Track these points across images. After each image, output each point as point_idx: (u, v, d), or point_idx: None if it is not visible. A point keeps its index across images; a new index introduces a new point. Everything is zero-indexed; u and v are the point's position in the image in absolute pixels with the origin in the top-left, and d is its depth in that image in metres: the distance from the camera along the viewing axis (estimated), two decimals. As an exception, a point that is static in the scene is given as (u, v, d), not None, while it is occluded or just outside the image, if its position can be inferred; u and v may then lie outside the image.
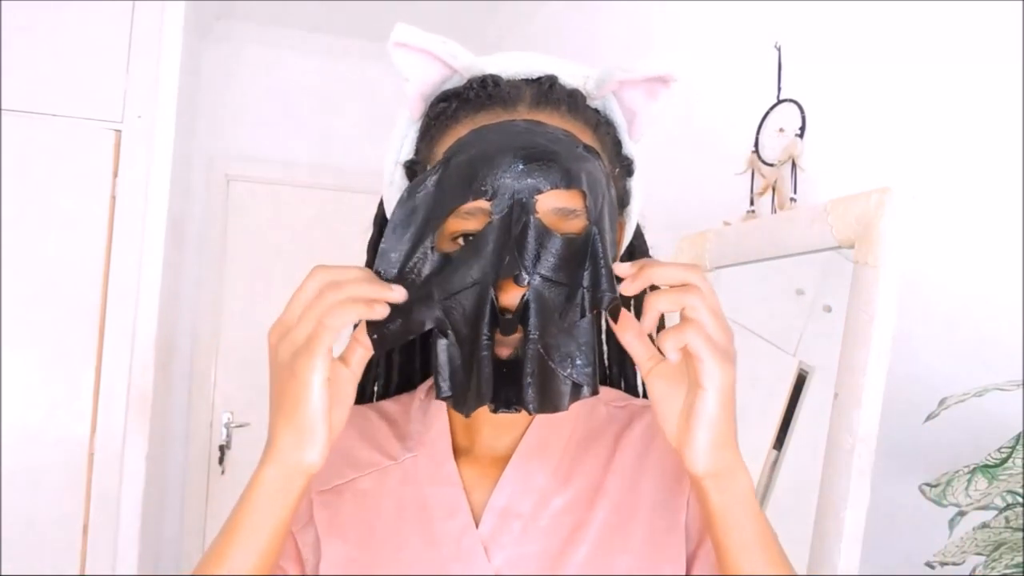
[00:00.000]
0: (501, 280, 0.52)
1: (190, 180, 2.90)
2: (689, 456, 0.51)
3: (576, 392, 0.53)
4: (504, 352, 0.54)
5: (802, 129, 1.37)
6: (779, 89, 1.43)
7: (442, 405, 0.66)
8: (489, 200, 0.53)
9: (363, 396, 0.73)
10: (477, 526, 0.60)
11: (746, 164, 1.49)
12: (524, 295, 0.53)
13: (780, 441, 1.21)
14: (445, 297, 0.54)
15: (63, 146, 2.23)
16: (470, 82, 0.59)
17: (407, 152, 0.63)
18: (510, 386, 0.53)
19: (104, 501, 2.20)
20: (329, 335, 0.49)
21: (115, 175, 2.27)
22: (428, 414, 0.67)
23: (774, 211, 1.40)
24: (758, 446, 1.22)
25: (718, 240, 1.37)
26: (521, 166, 0.54)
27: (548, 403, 0.53)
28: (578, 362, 0.54)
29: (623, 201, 0.64)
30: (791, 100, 1.41)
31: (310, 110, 3.14)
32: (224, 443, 2.98)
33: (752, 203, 1.46)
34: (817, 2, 1.39)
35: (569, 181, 0.54)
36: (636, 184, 0.65)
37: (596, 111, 0.61)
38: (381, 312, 0.51)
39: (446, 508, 0.61)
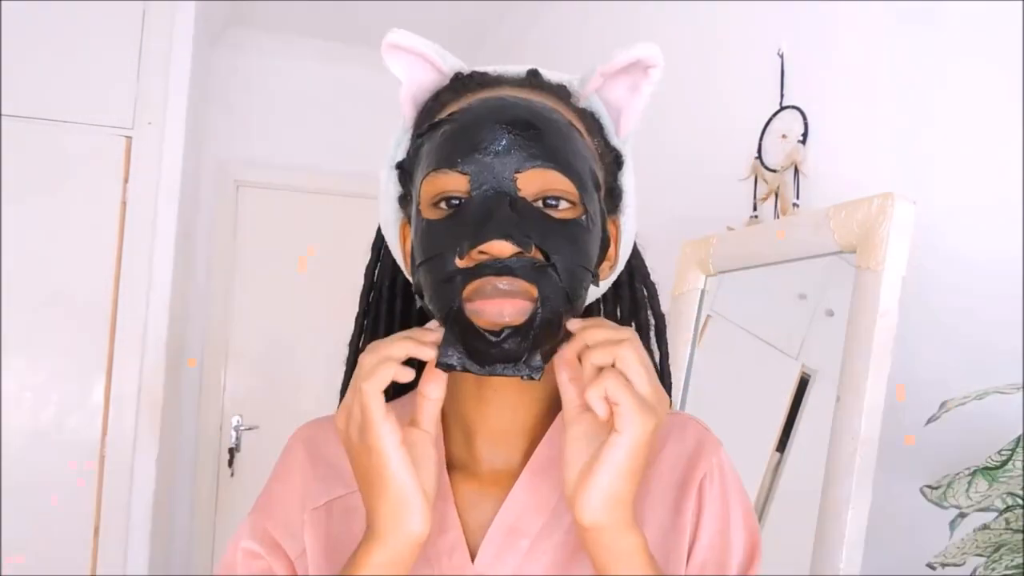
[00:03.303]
0: (487, 241, 0.51)
1: (200, 186, 2.93)
2: (581, 503, 0.50)
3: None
4: (509, 318, 0.52)
5: (804, 135, 1.38)
6: (782, 96, 1.45)
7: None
8: (464, 174, 0.53)
9: None
10: (470, 543, 0.58)
11: (749, 170, 1.50)
12: (538, 264, 0.52)
13: (783, 444, 1.22)
14: (420, 262, 0.55)
15: (74, 152, 2.25)
16: (456, 75, 0.61)
17: (400, 155, 0.64)
18: (505, 350, 0.52)
19: (115, 503, 2.22)
20: (375, 400, 0.50)
21: (126, 181, 2.29)
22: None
23: (777, 216, 1.41)
24: (760, 449, 1.23)
25: (721, 245, 1.38)
26: (503, 142, 0.53)
27: (535, 372, 0.53)
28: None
29: (614, 194, 0.63)
30: (794, 106, 1.42)
31: (319, 116, 3.17)
32: (234, 446, 3.00)
33: (755, 208, 1.47)
34: (819, 9, 1.40)
35: (553, 160, 0.54)
36: (628, 180, 0.63)
37: (582, 108, 0.61)
38: (428, 354, 0.52)
39: (437, 524, 0.59)
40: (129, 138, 2.30)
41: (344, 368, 0.71)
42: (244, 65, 3.11)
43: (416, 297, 0.61)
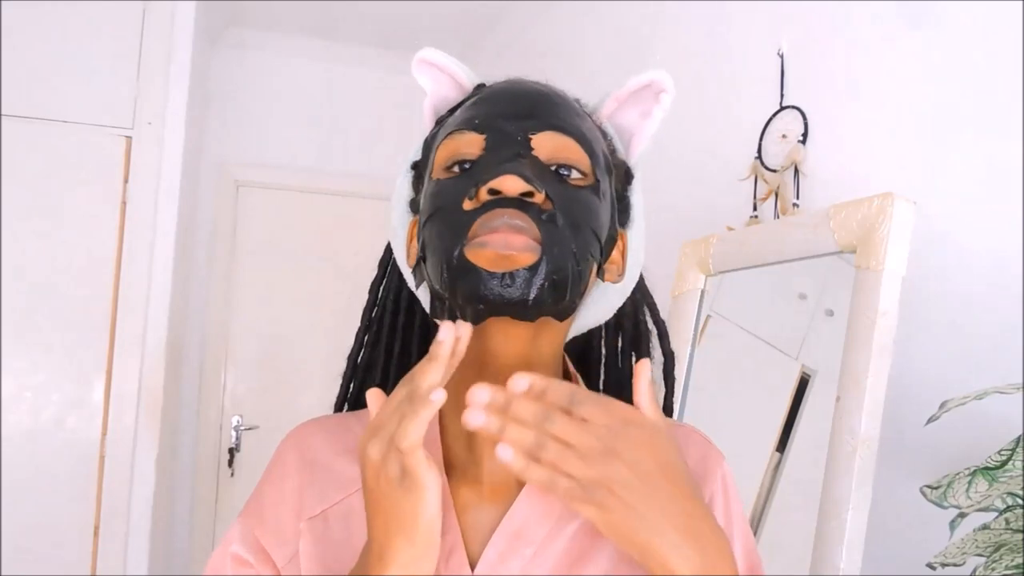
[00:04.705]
0: (498, 177, 0.52)
1: (200, 186, 2.93)
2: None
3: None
4: (516, 251, 0.52)
5: (804, 135, 1.38)
6: (782, 96, 1.45)
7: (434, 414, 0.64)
8: (481, 134, 0.56)
9: (357, 405, 0.71)
10: (468, 547, 0.57)
11: (749, 170, 1.50)
12: (544, 212, 0.53)
13: (783, 444, 1.22)
14: (427, 218, 0.56)
15: (75, 152, 2.25)
16: (476, 87, 0.64)
17: (414, 157, 0.65)
18: (508, 289, 0.52)
19: (115, 503, 2.22)
20: (411, 455, 0.47)
21: (126, 181, 2.29)
22: None
23: (777, 216, 1.41)
24: (760, 449, 1.23)
25: (721, 245, 1.38)
26: (518, 108, 0.57)
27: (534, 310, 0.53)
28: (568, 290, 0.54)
29: (623, 205, 0.64)
30: (794, 107, 1.42)
31: (319, 116, 3.17)
32: (233, 446, 3.00)
33: (755, 208, 1.47)
34: (819, 9, 1.40)
35: (567, 129, 0.57)
36: (636, 198, 0.65)
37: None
38: (438, 398, 0.47)
39: None
40: (129, 138, 2.30)
41: (340, 382, 0.71)
42: (244, 65, 3.11)
43: (424, 281, 0.61)
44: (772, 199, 1.43)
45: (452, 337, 0.49)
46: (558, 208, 0.54)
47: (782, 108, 1.44)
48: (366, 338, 0.71)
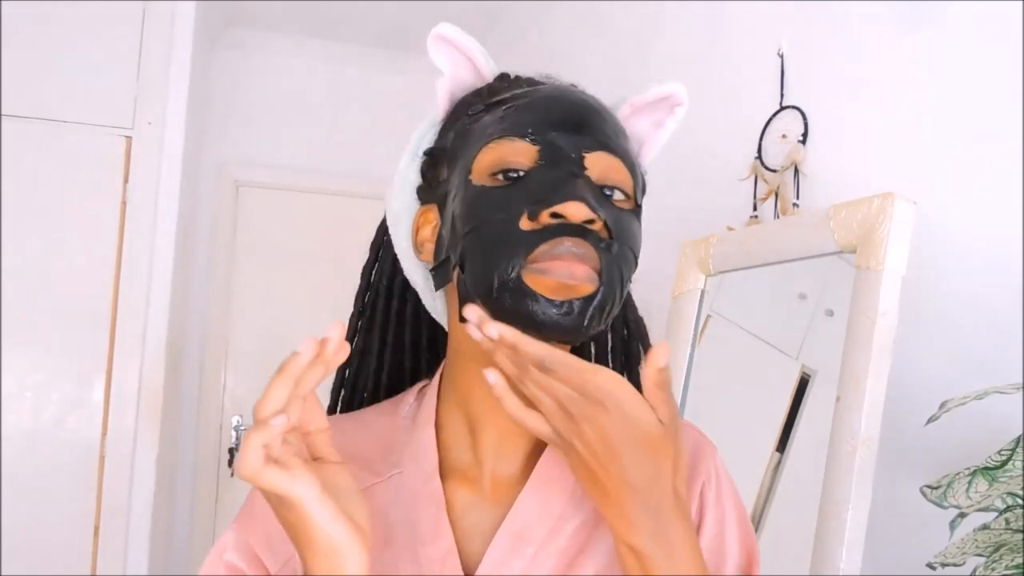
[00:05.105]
0: (564, 202, 0.52)
1: (200, 186, 2.93)
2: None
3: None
4: (578, 281, 0.52)
5: (804, 135, 1.38)
6: (782, 95, 1.45)
7: (430, 415, 0.62)
8: (534, 146, 0.54)
9: (351, 406, 0.70)
10: (466, 550, 0.57)
11: (749, 170, 1.50)
12: (603, 240, 0.53)
13: (783, 444, 1.22)
14: (471, 228, 0.54)
15: (74, 152, 2.25)
16: (504, 74, 0.62)
17: (428, 143, 0.63)
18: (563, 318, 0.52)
19: (115, 503, 2.22)
20: (260, 482, 0.45)
21: (126, 181, 2.29)
22: (416, 424, 0.62)
23: (777, 216, 1.41)
24: (760, 449, 1.23)
25: (721, 245, 1.38)
26: (570, 121, 0.55)
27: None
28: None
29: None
30: (794, 106, 1.42)
31: (319, 116, 3.17)
32: (233, 446, 3.00)
33: (755, 208, 1.47)
34: (819, 9, 1.40)
35: (616, 150, 0.56)
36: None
37: None
38: (278, 424, 0.44)
39: (430, 531, 0.57)
40: (129, 138, 2.30)
41: (335, 373, 0.70)
42: (244, 65, 3.11)
43: (430, 279, 0.60)
44: (772, 199, 1.43)
45: (312, 351, 0.46)
46: (614, 236, 0.53)
47: (782, 108, 1.44)
48: (359, 324, 0.70)
